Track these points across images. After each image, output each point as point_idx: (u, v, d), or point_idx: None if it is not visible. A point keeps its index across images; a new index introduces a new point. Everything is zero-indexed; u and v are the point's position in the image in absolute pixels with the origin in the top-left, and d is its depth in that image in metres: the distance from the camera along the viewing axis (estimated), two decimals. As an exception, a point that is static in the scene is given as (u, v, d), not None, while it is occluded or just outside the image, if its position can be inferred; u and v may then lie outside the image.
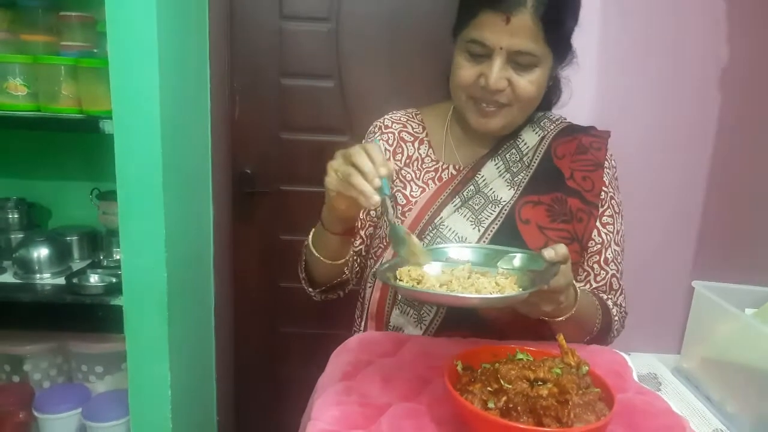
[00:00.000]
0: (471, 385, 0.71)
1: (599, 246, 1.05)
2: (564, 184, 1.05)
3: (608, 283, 1.06)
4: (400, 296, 1.04)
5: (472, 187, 1.05)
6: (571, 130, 1.11)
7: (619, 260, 1.07)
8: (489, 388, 0.70)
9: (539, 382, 0.70)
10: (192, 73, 1.55)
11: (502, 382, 0.70)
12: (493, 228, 1.01)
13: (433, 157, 1.11)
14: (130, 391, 1.40)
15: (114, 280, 1.42)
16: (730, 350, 1.14)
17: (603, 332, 1.01)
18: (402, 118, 1.15)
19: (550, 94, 1.10)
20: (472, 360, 0.78)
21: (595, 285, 1.05)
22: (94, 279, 1.46)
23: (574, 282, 0.86)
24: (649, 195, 1.80)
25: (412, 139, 1.12)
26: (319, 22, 1.87)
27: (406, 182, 1.08)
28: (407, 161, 1.10)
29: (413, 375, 0.84)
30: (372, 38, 1.87)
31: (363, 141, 1.15)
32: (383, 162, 0.77)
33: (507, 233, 1.00)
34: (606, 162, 1.08)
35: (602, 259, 1.05)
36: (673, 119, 1.78)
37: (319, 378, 0.88)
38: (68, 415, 1.53)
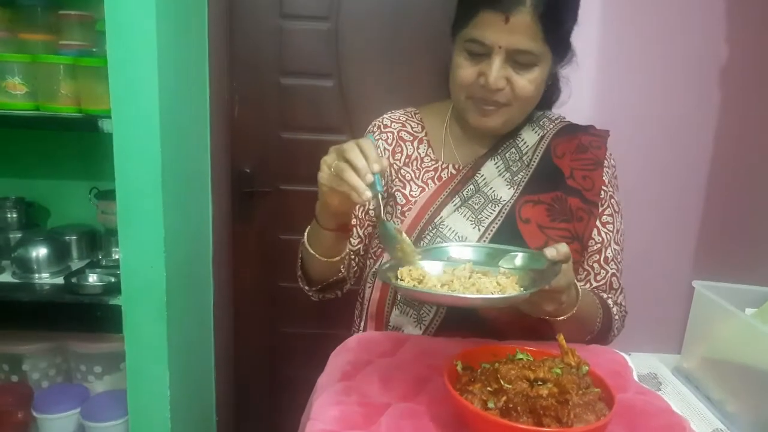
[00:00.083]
0: (471, 385, 0.71)
1: (599, 245, 1.04)
2: (564, 183, 1.04)
3: (608, 283, 1.05)
4: (399, 296, 1.04)
5: (471, 187, 1.05)
6: (571, 129, 1.11)
7: (619, 259, 1.07)
8: (489, 388, 0.70)
9: (539, 382, 0.70)
10: (191, 72, 1.55)
11: (501, 382, 0.70)
12: (493, 227, 1.01)
13: (432, 156, 1.10)
14: (129, 391, 1.39)
15: (113, 279, 1.41)
16: (730, 350, 1.14)
17: (603, 331, 1.01)
18: (401, 118, 1.14)
19: (550, 93, 1.10)
20: (472, 360, 0.78)
21: (595, 284, 1.05)
22: (92, 278, 1.46)
23: (575, 281, 0.86)
24: (649, 194, 1.80)
25: (412, 138, 1.12)
26: (318, 21, 1.86)
27: (406, 182, 1.08)
28: (406, 161, 1.10)
29: (413, 375, 0.84)
30: (372, 37, 1.87)
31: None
32: (376, 158, 0.77)
33: (507, 232, 1.00)
34: (606, 161, 1.08)
35: (602, 259, 1.05)
36: (673, 119, 1.78)
37: (318, 378, 0.88)
38: (67, 415, 1.53)
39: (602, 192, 1.05)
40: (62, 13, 1.40)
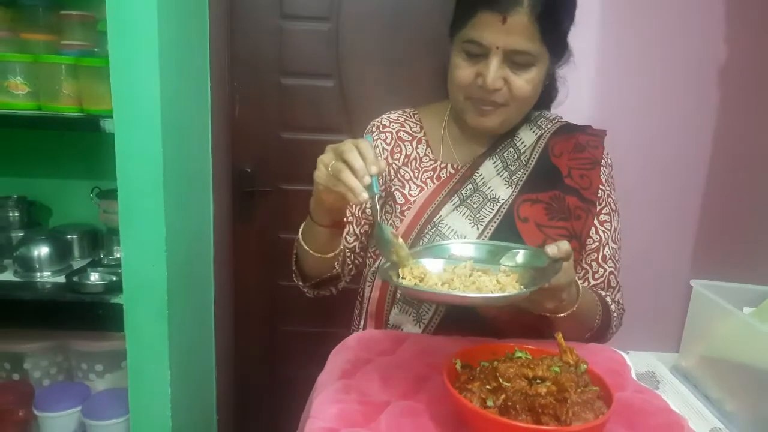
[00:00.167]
0: (470, 383, 0.72)
1: (597, 244, 1.05)
2: (562, 182, 1.05)
3: (606, 281, 1.06)
4: (399, 295, 1.04)
5: (470, 186, 1.06)
6: (568, 129, 1.11)
7: (616, 258, 1.08)
8: (488, 387, 0.70)
9: (538, 381, 0.70)
10: (192, 72, 1.55)
11: (500, 380, 0.70)
12: (492, 226, 1.01)
13: (431, 156, 1.11)
14: (130, 389, 1.40)
15: (114, 278, 1.42)
16: (728, 349, 1.15)
17: (602, 329, 1.02)
18: (400, 118, 1.15)
19: (547, 93, 1.10)
20: (471, 358, 0.78)
21: (593, 282, 1.06)
22: (94, 277, 1.46)
23: (576, 280, 0.87)
24: (648, 194, 1.81)
25: (410, 138, 1.13)
26: (319, 22, 1.87)
27: (405, 181, 1.08)
28: (405, 160, 1.10)
29: (412, 373, 0.85)
30: (372, 38, 1.88)
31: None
32: (374, 160, 0.77)
33: (506, 231, 1.00)
34: (603, 160, 1.08)
35: (600, 257, 1.05)
36: (672, 119, 1.78)
37: (318, 376, 0.89)
38: (68, 414, 1.53)
39: (600, 191, 1.06)
40: (64, 13, 1.41)
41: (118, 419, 1.51)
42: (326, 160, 0.81)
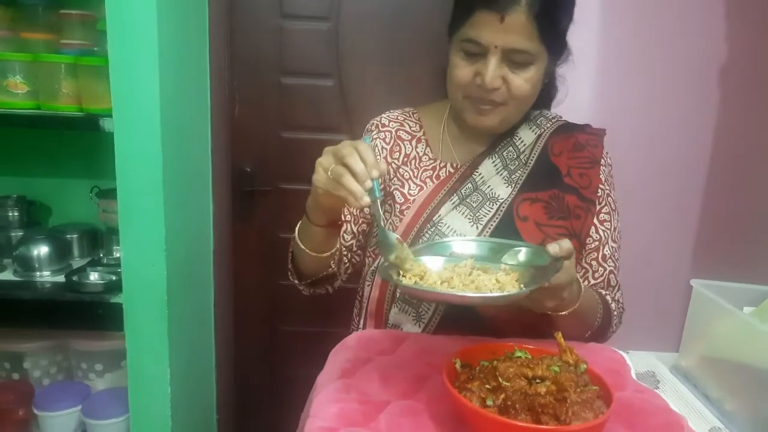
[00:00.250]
0: (469, 382, 0.71)
1: (597, 243, 1.05)
2: (561, 181, 1.05)
3: (606, 280, 1.06)
4: (398, 294, 1.04)
5: (469, 185, 1.06)
6: (568, 128, 1.11)
7: (616, 257, 1.08)
8: (487, 386, 0.70)
9: (537, 380, 0.70)
10: (192, 72, 1.55)
11: (500, 379, 0.70)
12: (491, 225, 1.01)
13: (430, 155, 1.11)
14: (130, 388, 1.40)
15: (114, 277, 1.42)
16: (728, 348, 1.14)
17: (603, 328, 1.02)
18: (399, 117, 1.15)
19: (546, 92, 1.10)
20: (471, 358, 0.78)
21: (593, 282, 1.06)
22: (93, 277, 1.46)
23: (578, 277, 0.87)
24: (648, 194, 1.81)
25: (410, 137, 1.12)
26: (319, 21, 1.87)
27: (404, 181, 1.08)
28: (405, 159, 1.10)
29: (412, 373, 0.85)
30: (372, 37, 1.88)
31: (360, 139, 1.15)
32: (375, 163, 0.76)
33: (505, 230, 1.00)
34: (602, 159, 1.08)
35: (600, 256, 1.05)
36: (672, 118, 1.78)
37: (318, 376, 0.89)
38: (68, 413, 1.53)
39: (599, 190, 1.06)
40: (63, 12, 1.41)
41: (118, 419, 1.51)
42: (325, 164, 0.80)
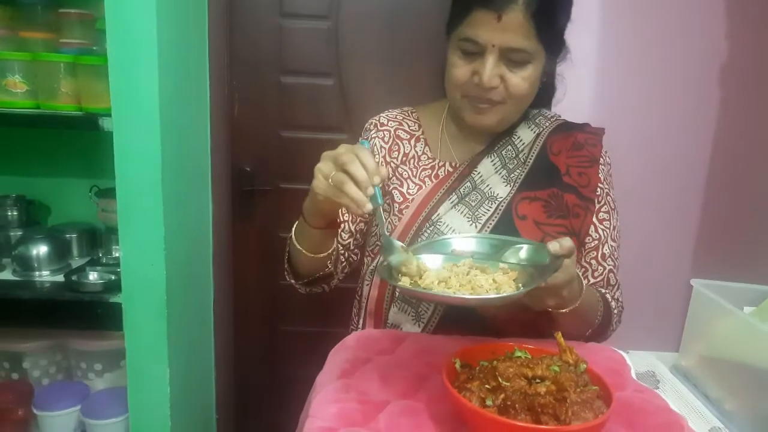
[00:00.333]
0: (469, 382, 0.71)
1: (596, 242, 1.05)
2: (560, 180, 1.05)
3: (605, 279, 1.06)
4: (398, 293, 1.04)
5: (468, 184, 1.05)
6: (566, 127, 1.11)
7: (615, 256, 1.08)
8: (487, 386, 0.70)
9: (537, 380, 0.70)
10: (191, 71, 1.55)
11: (500, 379, 0.70)
12: (490, 224, 1.01)
13: (429, 154, 1.11)
14: (129, 388, 1.40)
15: (113, 277, 1.42)
16: (728, 348, 1.14)
17: (603, 326, 1.02)
18: (398, 116, 1.15)
19: (545, 90, 1.10)
20: (470, 357, 0.78)
21: (593, 281, 1.06)
22: (93, 276, 1.46)
23: (579, 275, 0.86)
24: (648, 194, 1.81)
25: (408, 136, 1.12)
26: (318, 20, 1.86)
27: (403, 180, 1.08)
28: (403, 159, 1.10)
29: (411, 372, 0.85)
30: (372, 36, 1.87)
31: (360, 138, 1.15)
32: (376, 170, 0.75)
33: (504, 229, 1.00)
34: (601, 158, 1.08)
35: (599, 255, 1.05)
36: (672, 118, 1.78)
37: (317, 375, 0.89)
38: (67, 413, 1.53)
39: (598, 189, 1.06)
40: (62, 11, 1.40)
41: (118, 418, 1.51)
42: (325, 170, 0.79)
